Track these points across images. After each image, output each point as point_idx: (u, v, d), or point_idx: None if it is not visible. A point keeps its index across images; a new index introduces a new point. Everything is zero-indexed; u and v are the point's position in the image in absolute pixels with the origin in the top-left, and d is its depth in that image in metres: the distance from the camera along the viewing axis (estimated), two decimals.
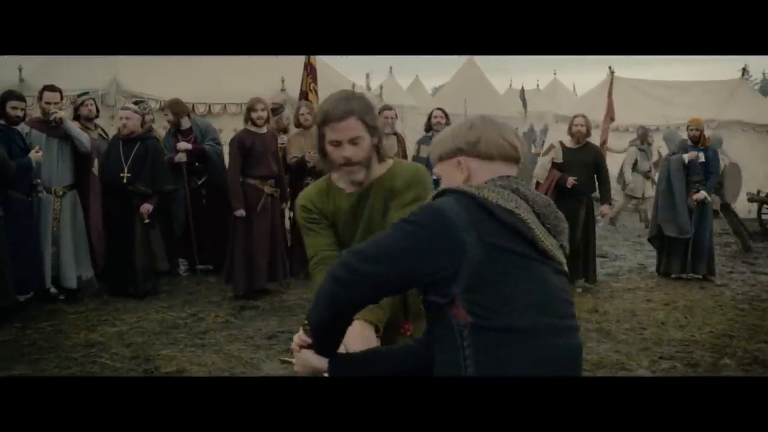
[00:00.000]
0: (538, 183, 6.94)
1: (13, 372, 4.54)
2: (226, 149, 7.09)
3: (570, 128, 7.08)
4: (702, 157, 7.45)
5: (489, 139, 1.74)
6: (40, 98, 6.17)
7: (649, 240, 7.96)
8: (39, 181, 5.93)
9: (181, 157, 6.93)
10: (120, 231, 6.31)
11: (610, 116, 11.18)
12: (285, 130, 7.38)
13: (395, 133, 7.44)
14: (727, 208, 9.56)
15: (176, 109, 7.14)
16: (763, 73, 49.19)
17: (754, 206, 11.13)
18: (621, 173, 11.27)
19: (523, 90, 18.53)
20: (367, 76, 13.11)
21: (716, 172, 7.55)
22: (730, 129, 12.75)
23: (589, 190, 7.06)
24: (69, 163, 6.19)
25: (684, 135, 9.27)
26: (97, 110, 6.89)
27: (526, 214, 1.62)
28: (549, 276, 1.64)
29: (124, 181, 6.25)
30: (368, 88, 13.14)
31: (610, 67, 11.91)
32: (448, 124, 7.54)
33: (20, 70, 7.78)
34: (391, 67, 18.29)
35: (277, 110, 7.37)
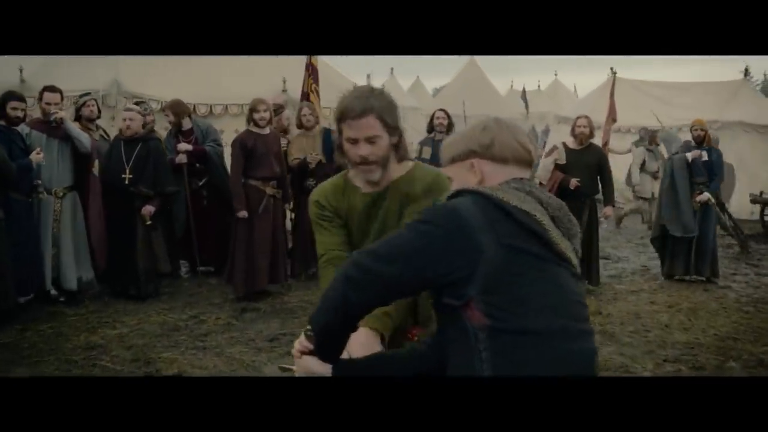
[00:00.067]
0: (540, 184, 6.90)
1: (12, 375, 4.50)
2: (227, 150, 7.06)
3: (573, 129, 7.05)
4: (705, 156, 7.43)
5: (503, 142, 1.72)
6: (40, 99, 6.13)
7: (651, 241, 7.92)
8: (40, 182, 5.90)
9: (182, 158, 6.90)
10: (122, 232, 6.27)
11: (612, 117, 11.17)
12: (285, 131, 7.35)
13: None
14: (722, 208, 9.53)
15: (177, 109, 7.11)
16: (765, 74, 49.22)
17: (757, 208, 11.09)
18: (629, 174, 11.25)
19: (524, 91, 18.48)
20: (368, 77, 13.06)
21: (720, 174, 7.51)
22: (733, 130, 12.70)
23: (592, 192, 7.03)
24: (69, 164, 6.16)
25: (683, 136, 9.27)
26: (99, 111, 6.86)
27: (541, 216, 1.60)
28: (565, 278, 1.62)
29: (126, 182, 6.21)
30: None
31: (612, 68, 11.90)
32: (450, 125, 7.52)
33: (21, 70, 7.75)
34: (392, 68, 18.27)
35: (276, 111, 7.33)
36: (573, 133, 7.03)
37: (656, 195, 10.50)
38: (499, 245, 1.53)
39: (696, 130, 7.53)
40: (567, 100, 21.90)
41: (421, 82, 20.91)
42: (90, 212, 6.28)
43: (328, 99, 8.66)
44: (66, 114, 6.19)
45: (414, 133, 11.16)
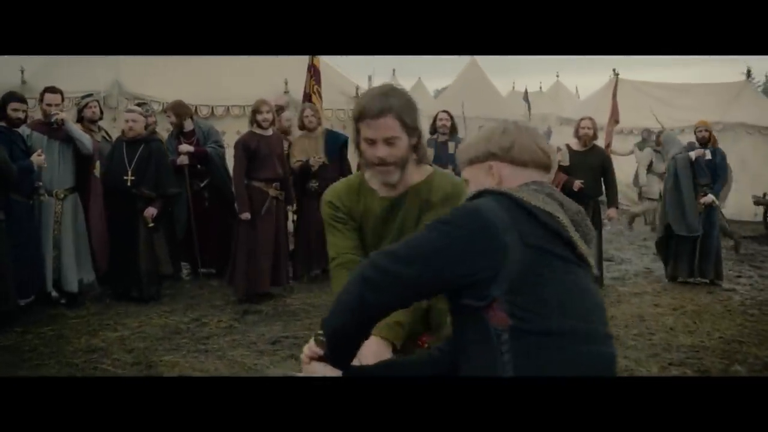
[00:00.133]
0: None
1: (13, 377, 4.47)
2: (228, 152, 7.04)
3: (577, 131, 7.03)
4: (708, 155, 7.41)
5: (523, 145, 1.70)
6: (41, 100, 6.11)
7: (656, 244, 7.88)
8: (41, 183, 5.86)
9: (183, 160, 6.87)
10: (123, 234, 6.24)
11: (614, 119, 11.14)
12: (285, 132, 7.31)
13: None
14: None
15: (179, 110, 7.08)
16: (766, 76, 49.10)
17: (760, 209, 11.07)
18: (637, 175, 11.22)
19: (526, 92, 18.48)
20: (370, 78, 13.05)
21: (724, 175, 7.48)
22: (735, 132, 12.68)
23: (596, 194, 7.01)
24: (70, 166, 6.13)
25: (686, 138, 9.24)
26: (101, 112, 6.84)
27: (563, 218, 1.59)
28: (586, 281, 1.61)
29: (128, 184, 6.18)
30: None
31: (614, 70, 11.87)
32: (453, 126, 7.49)
33: (22, 71, 7.73)
34: (394, 69, 18.28)
35: (276, 111, 7.30)
36: (577, 135, 7.01)
37: None
38: (524, 245, 1.51)
39: (701, 131, 7.51)
40: (568, 101, 21.90)
41: (422, 83, 20.89)
42: (91, 214, 6.25)
43: (330, 100, 8.66)
44: (67, 115, 6.17)
45: None
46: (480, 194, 1.64)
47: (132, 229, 6.22)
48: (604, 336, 1.61)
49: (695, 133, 7.61)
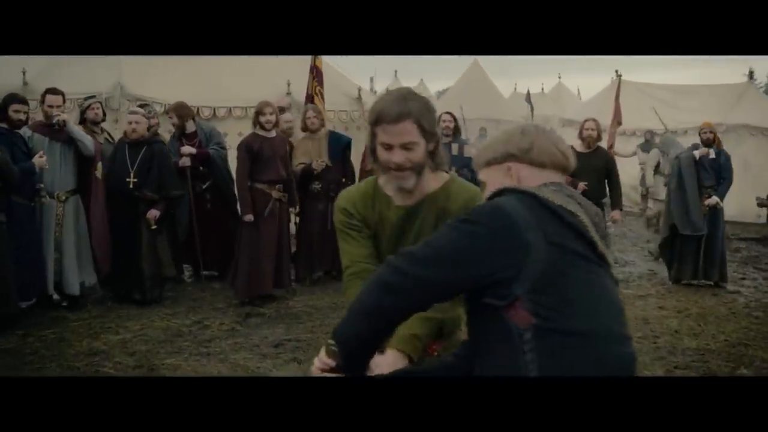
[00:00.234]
0: None
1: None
2: (230, 153, 7.01)
3: (581, 132, 7.00)
4: (712, 153, 7.38)
5: (542, 147, 1.69)
6: (42, 101, 6.08)
7: (660, 245, 7.84)
8: (42, 185, 5.84)
9: (185, 162, 6.85)
10: (126, 237, 6.21)
11: (617, 120, 11.13)
12: (285, 134, 7.28)
13: None
14: None
15: (181, 112, 7.05)
16: None
17: (764, 211, 11.04)
18: (643, 177, 11.20)
19: (529, 93, 18.45)
20: (371, 79, 13.07)
21: (729, 177, 7.44)
22: (738, 133, 12.65)
23: (600, 196, 6.96)
24: (72, 168, 6.10)
25: (689, 139, 9.21)
26: (104, 114, 6.81)
27: (584, 218, 1.58)
28: (607, 281, 1.60)
29: (131, 186, 6.15)
30: (373, 91, 13.06)
31: (617, 71, 11.86)
32: (456, 128, 7.46)
33: (24, 73, 7.70)
34: (395, 71, 18.27)
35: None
36: (580, 136, 6.98)
37: None
38: (548, 244, 1.50)
39: (705, 133, 7.48)
40: (570, 103, 21.89)
41: (424, 84, 20.91)
42: (92, 216, 6.22)
43: (332, 102, 8.63)
44: (68, 116, 6.14)
45: None
46: (500, 192, 1.62)
47: (134, 232, 6.19)
48: (624, 337, 1.60)
49: (700, 134, 7.58)
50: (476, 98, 17.05)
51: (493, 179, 1.72)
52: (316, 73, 8.20)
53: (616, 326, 1.57)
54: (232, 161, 6.68)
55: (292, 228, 7.34)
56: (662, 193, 10.66)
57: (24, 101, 5.82)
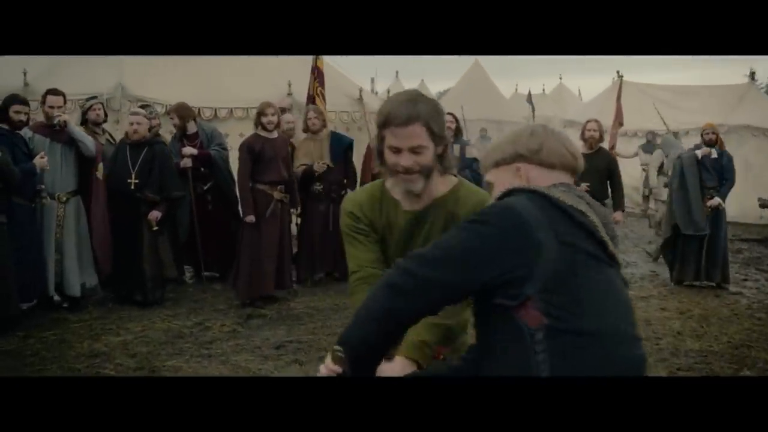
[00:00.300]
0: None
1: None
2: (232, 154, 7.00)
3: (583, 133, 6.98)
4: (714, 153, 7.37)
5: (551, 148, 1.69)
6: (43, 102, 6.08)
7: (662, 246, 7.83)
8: (43, 186, 5.83)
9: (187, 163, 6.84)
10: (127, 238, 6.20)
11: (618, 121, 11.10)
12: (287, 134, 7.26)
13: None
14: None
15: (182, 113, 7.03)
16: None
17: (766, 212, 11.02)
18: (647, 177, 11.18)
19: (530, 94, 18.45)
20: (372, 80, 13.06)
21: (731, 178, 7.43)
22: (739, 134, 12.64)
23: (602, 197, 6.94)
24: (73, 169, 6.09)
25: (690, 140, 9.19)
26: (105, 115, 6.80)
27: (594, 218, 1.57)
28: (617, 281, 1.60)
29: (132, 187, 6.14)
30: (374, 92, 13.05)
31: (618, 72, 11.84)
32: (458, 129, 7.44)
33: (25, 73, 7.69)
34: (397, 71, 18.25)
35: None
36: (582, 137, 6.96)
37: None
38: (560, 244, 1.49)
39: (708, 133, 7.46)
40: (572, 103, 21.90)
41: (425, 85, 20.91)
42: (93, 217, 6.21)
43: (333, 102, 8.62)
44: (69, 117, 6.13)
45: None
46: (510, 192, 1.61)
47: (136, 233, 6.18)
48: (635, 337, 1.60)
49: (702, 135, 7.57)
50: (477, 99, 17.04)
51: (502, 180, 1.71)
52: (317, 74, 8.19)
53: (626, 327, 1.57)
54: (234, 162, 6.66)
55: (294, 229, 7.33)
56: (665, 194, 10.66)
57: (25, 102, 5.81)
